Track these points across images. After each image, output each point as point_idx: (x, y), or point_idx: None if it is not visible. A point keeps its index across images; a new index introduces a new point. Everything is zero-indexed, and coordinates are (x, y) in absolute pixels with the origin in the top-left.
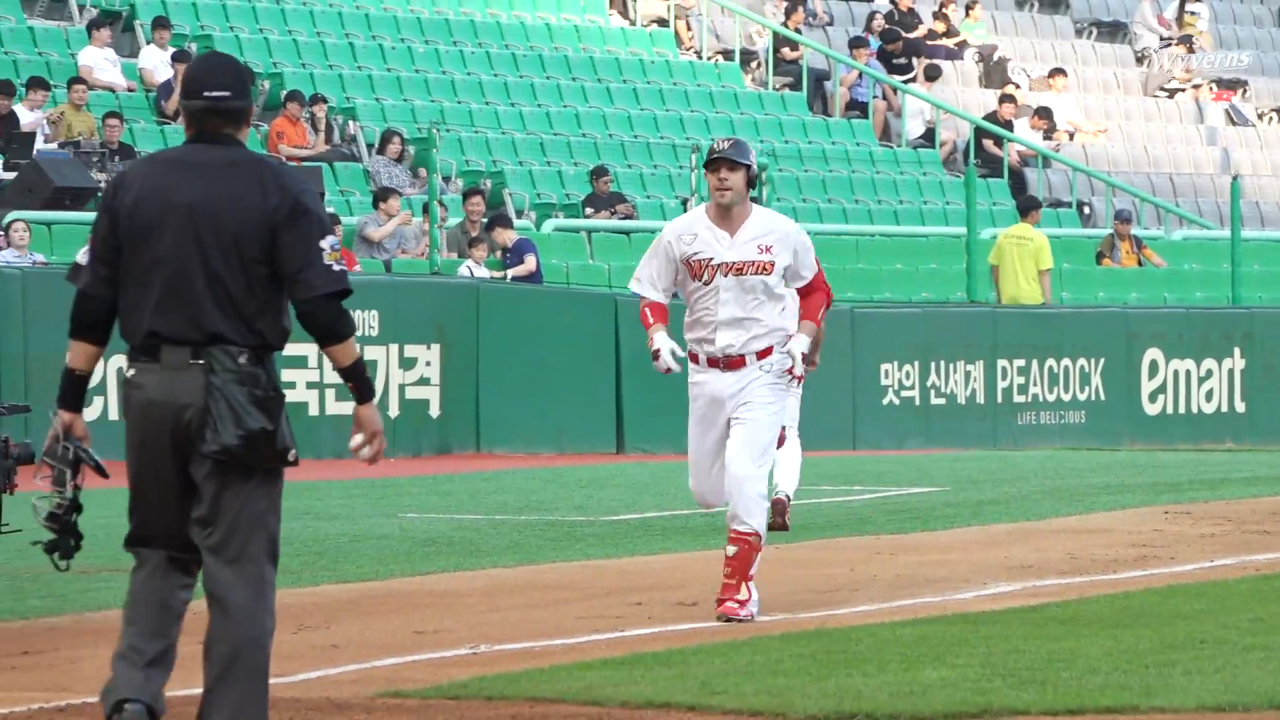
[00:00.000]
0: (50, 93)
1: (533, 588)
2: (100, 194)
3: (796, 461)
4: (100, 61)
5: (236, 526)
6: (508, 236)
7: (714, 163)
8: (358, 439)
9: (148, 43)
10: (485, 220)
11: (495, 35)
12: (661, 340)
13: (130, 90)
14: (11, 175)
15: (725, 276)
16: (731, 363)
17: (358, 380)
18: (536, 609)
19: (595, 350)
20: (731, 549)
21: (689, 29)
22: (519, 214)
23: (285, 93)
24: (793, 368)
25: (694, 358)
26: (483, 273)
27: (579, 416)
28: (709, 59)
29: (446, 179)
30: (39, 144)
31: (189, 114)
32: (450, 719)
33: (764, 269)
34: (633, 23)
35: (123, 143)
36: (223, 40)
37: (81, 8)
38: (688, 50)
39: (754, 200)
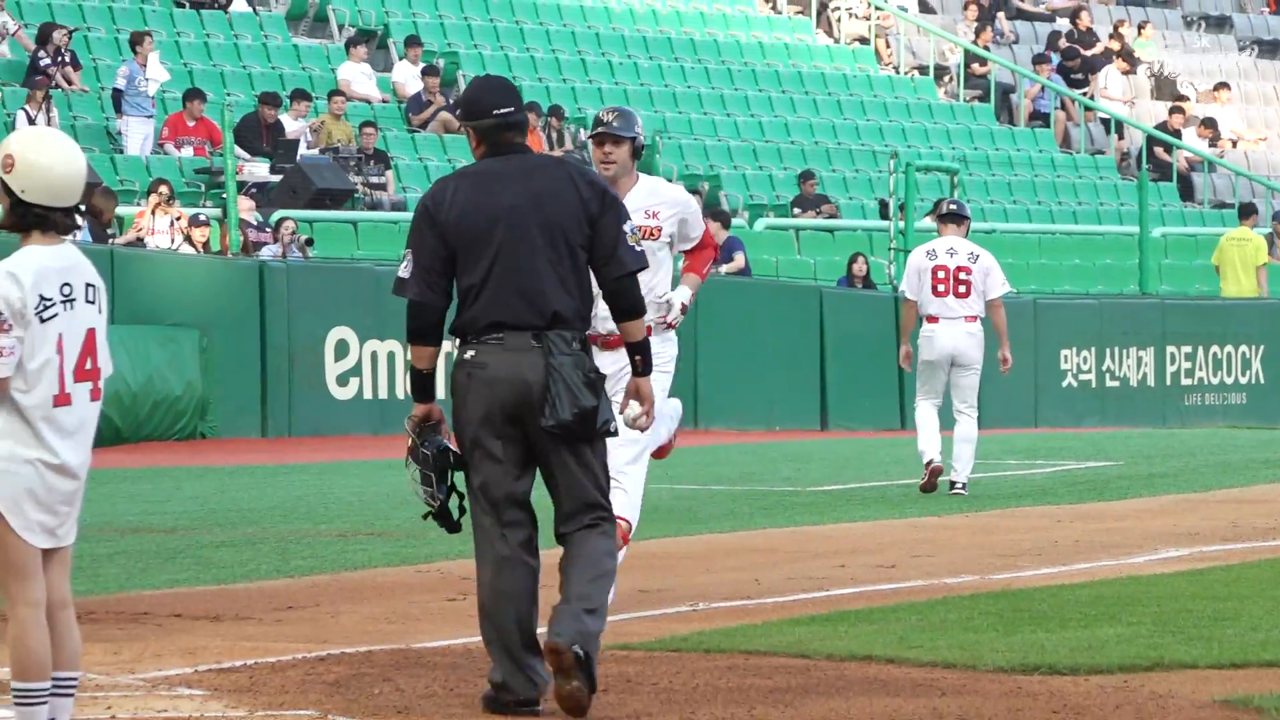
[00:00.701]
0: (312, 104)
1: (746, 551)
2: (415, 219)
3: (971, 446)
4: (357, 76)
5: (573, 491)
6: (721, 233)
7: (599, 136)
8: (634, 407)
9: (400, 59)
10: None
11: (713, 52)
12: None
13: (384, 101)
14: (278, 178)
15: None
16: (609, 342)
17: (644, 354)
18: (749, 570)
19: (801, 337)
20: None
21: (888, 46)
22: (733, 214)
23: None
24: (673, 320)
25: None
26: None
27: (787, 396)
28: (906, 74)
29: (669, 180)
30: (302, 150)
31: (481, 132)
32: (672, 670)
33: (651, 234)
34: (837, 41)
35: (377, 149)
36: (468, 57)
37: (341, 27)
38: (886, 66)
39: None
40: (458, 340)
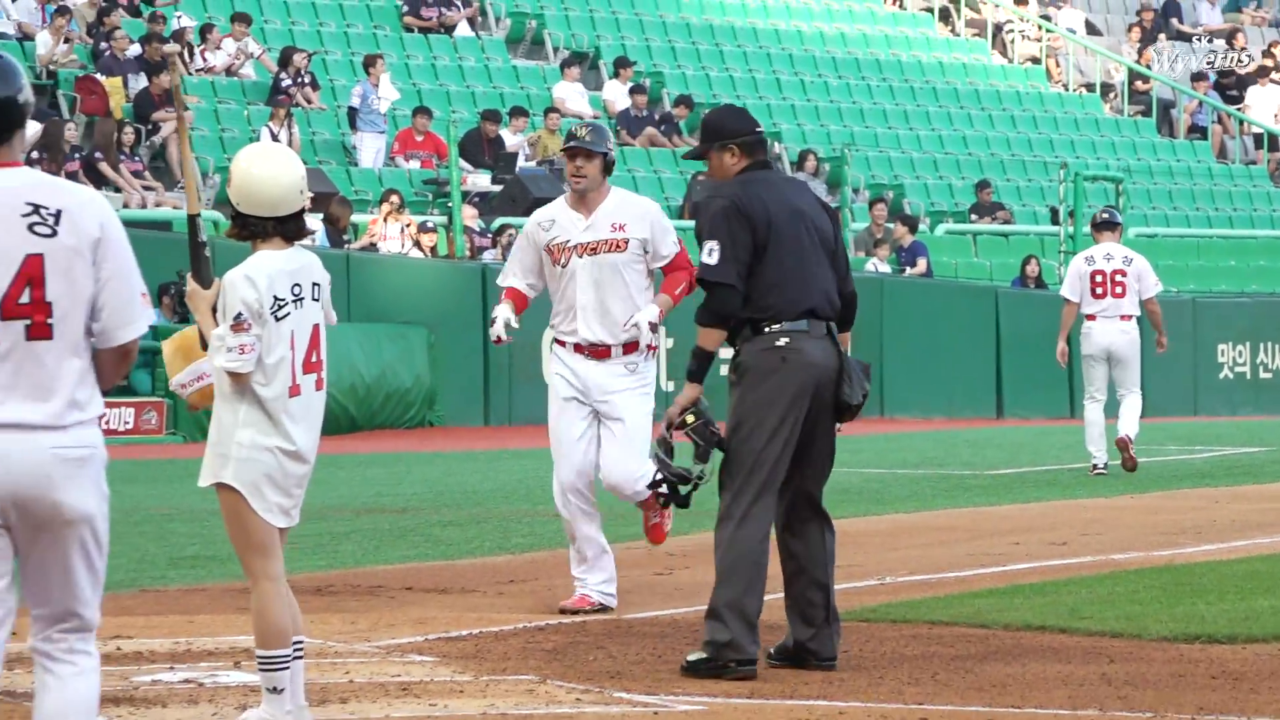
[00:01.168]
0: (529, 119)
1: (928, 529)
2: (722, 214)
3: (1136, 411)
4: (571, 94)
5: (829, 461)
6: (906, 237)
7: (571, 150)
8: None
9: (610, 78)
10: (890, 225)
11: (897, 72)
12: (500, 311)
13: (595, 117)
14: (498, 188)
15: (581, 257)
16: (596, 352)
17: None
18: (931, 547)
19: (979, 333)
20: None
21: (1057, 66)
22: (917, 220)
23: None
24: (641, 340)
25: (560, 343)
26: (885, 269)
27: (965, 387)
28: (1074, 90)
29: (856, 190)
30: (520, 162)
31: (746, 147)
32: (862, 639)
33: (617, 246)
34: (1011, 61)
35: None
36: (672, 77)
37: (556, 49)
38: (1056, 83)
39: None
40: (749, 326)
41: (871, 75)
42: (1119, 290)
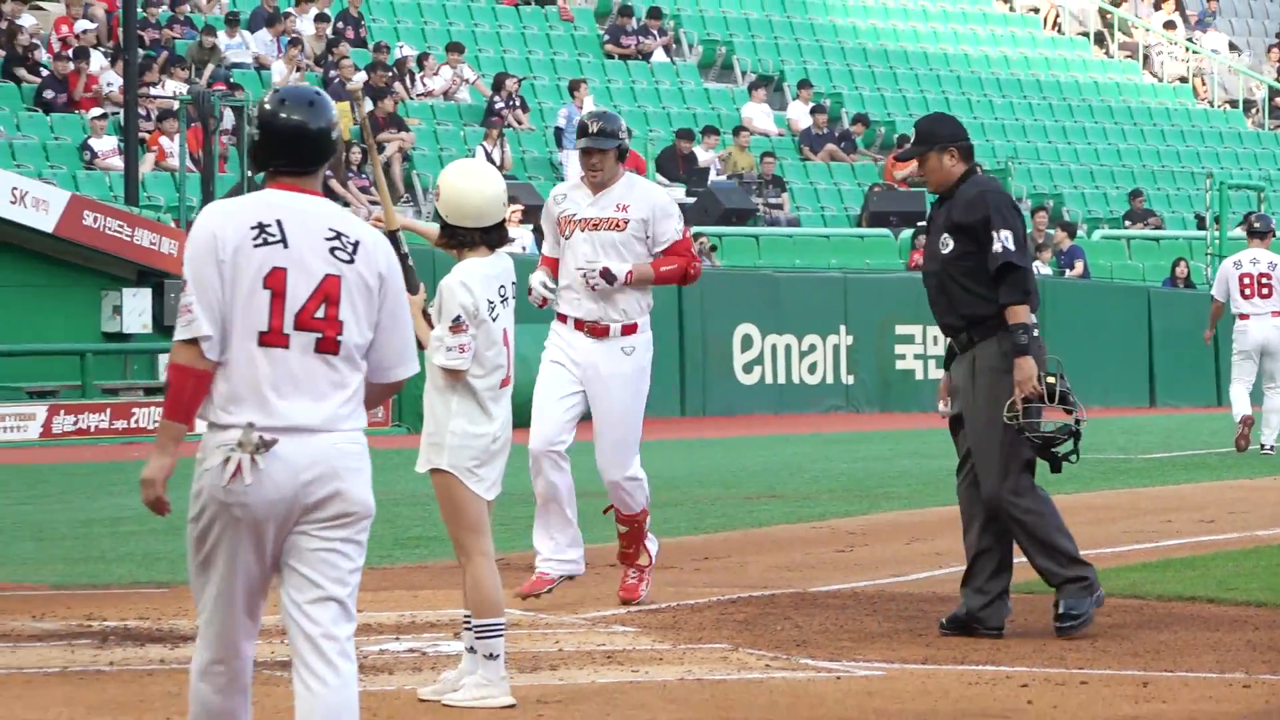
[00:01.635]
0: (720, 137)
1: (1087, 509)
2: (1010, 206)
3: (1278, 413)
4: (758, 113)
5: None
6: (1065, 242)
7: (586, 150)
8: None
9: (793, 99)
10: (1050, 231)
11: (1056, 91)
12: (533, 277)
13: (780, 135)
14: (692, 200)
15: (582, 231)
16: (596, 330)
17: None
18: (1090, 525)
19: (1132, 329)
20: (623, 528)
21: (1203, 84)
22: (1075, 226)
23: (897, 136)
24: (588, 276)
25: (562, 318)
26: (1046, 271)
27: (1120, 378)
28: (1218, 107)
29: (1019, 199)
30: (712, 176)
31: (964, 152)
32: (1027, 608)
33: (616, 225)
34: (1160, 80)
35: (775, 175)
36: (850, 97)
37: (744, 73)
38: (1202, 100)
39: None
40: (995, 319)
41: (1033, 94)
42: (1265, 291)
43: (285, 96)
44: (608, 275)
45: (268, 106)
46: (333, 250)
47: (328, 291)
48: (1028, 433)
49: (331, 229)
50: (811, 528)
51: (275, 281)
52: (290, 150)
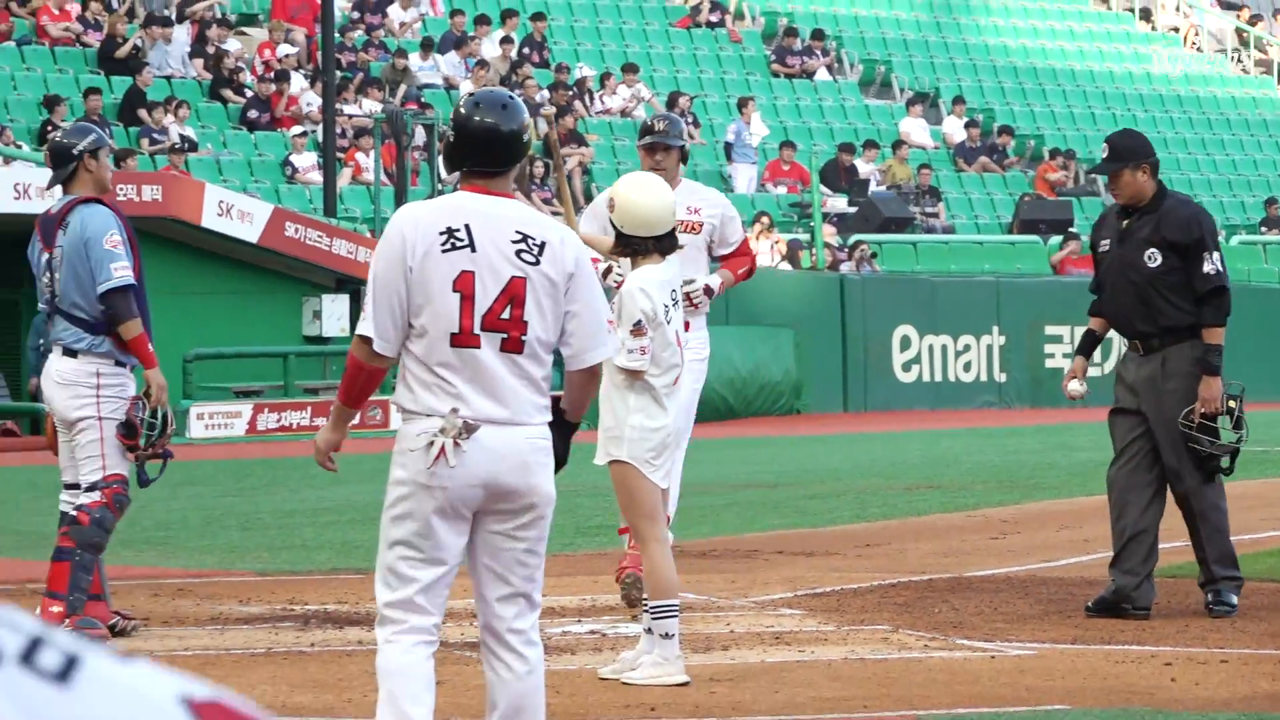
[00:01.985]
0: (879, 150)
1: (1228, 498)
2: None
3: None
4: (915, 128)
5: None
6: None
7: (650, 145)
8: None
9: (948, 114)
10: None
11: (1195, 104)
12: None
13: (935, 148)
14: (854, 209)
15: None
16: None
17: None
18: (1230, 514)
19: (1270, 328)
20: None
21: None
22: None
23: (1047, 149)
24: (693, 295)
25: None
26: None
27: (1257, 375)
28: None
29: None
30: (872, 187)
31: (1154, 168)
32: (1168, 592)
33: (693, 228)
34: None
35: (931, 186)
36: (1001, 112)
37: (902, 90)
38: None
39: None
40: (1189, 329)
41: (1173, 108)
42: None
43: (480, 100)
44: (709, 292)
45: (462, 109)
46: (519, 253)
47: (514, 293)
48: (1195, 444)
49: (518, 232)
50: (966, 516)
51: (464, 285)
52: (483, 151)
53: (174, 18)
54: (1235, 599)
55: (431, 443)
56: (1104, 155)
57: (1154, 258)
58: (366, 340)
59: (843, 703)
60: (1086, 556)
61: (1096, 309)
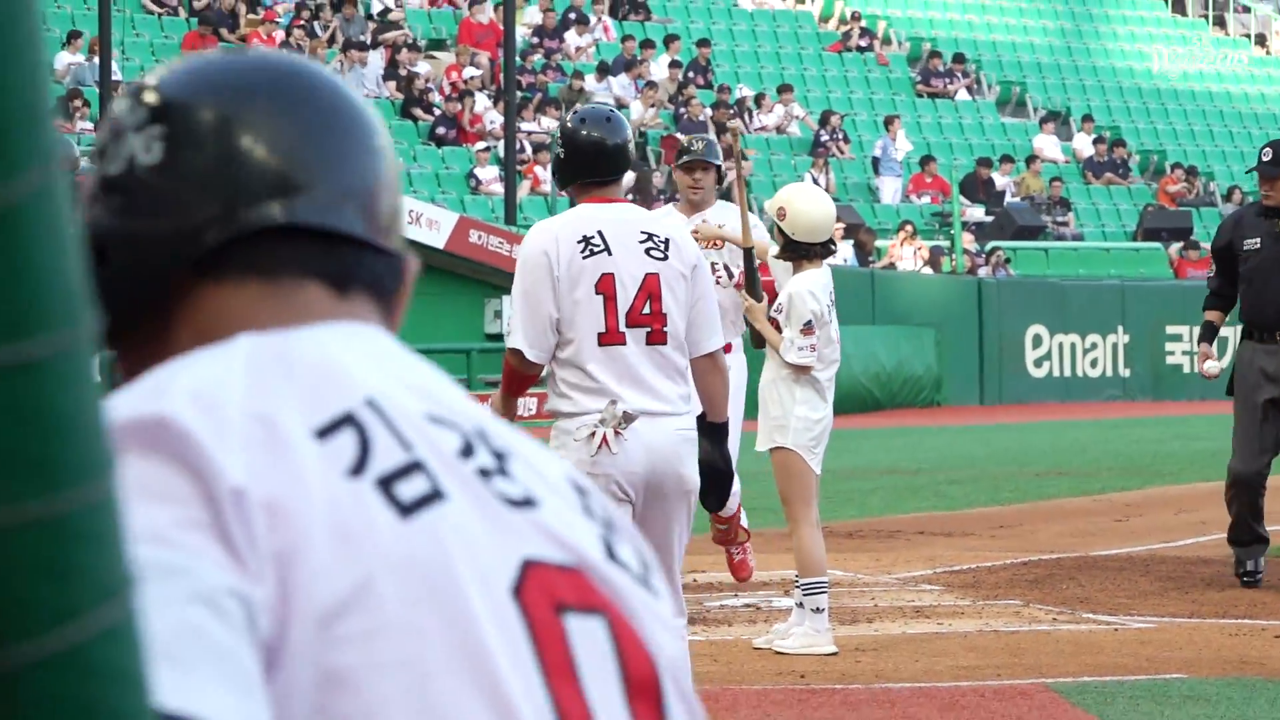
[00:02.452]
0: (1014, 165)
1: None
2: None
3: None
4: (1047, 144)
5: None
6: None
7: (689, 165)
8: None
9: (1078, 131)
10: None
11: None
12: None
13: (1066, 162)
14: (990, 219)
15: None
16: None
17: None
18: None
19: None
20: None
21: None
22: None
23: (1169, 164)
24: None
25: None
26: None
27: None
28: None
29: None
30: (1007, 198)
31: None
32: (1274, 570)
33: (721, 244)
34: None
35: (1062, 197)
36: (1127, 129)
37: (1035, 109)
38: None
39: None
40: None
41: None
42: None
43: (585, 116)
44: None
45: (569, 125)
46: (648, 250)
47: (650, 289)
48: None
49: (643, 231)
50: (1092, 500)
51: (605, 286)
52: (593, 164)
53: (369, 43)
54: None
55: (593, 433)
56: (1265, 160)
57: None
58: (518, 353)
59: (977, 671)
60: (1203, 537)
61: (1214, 303)
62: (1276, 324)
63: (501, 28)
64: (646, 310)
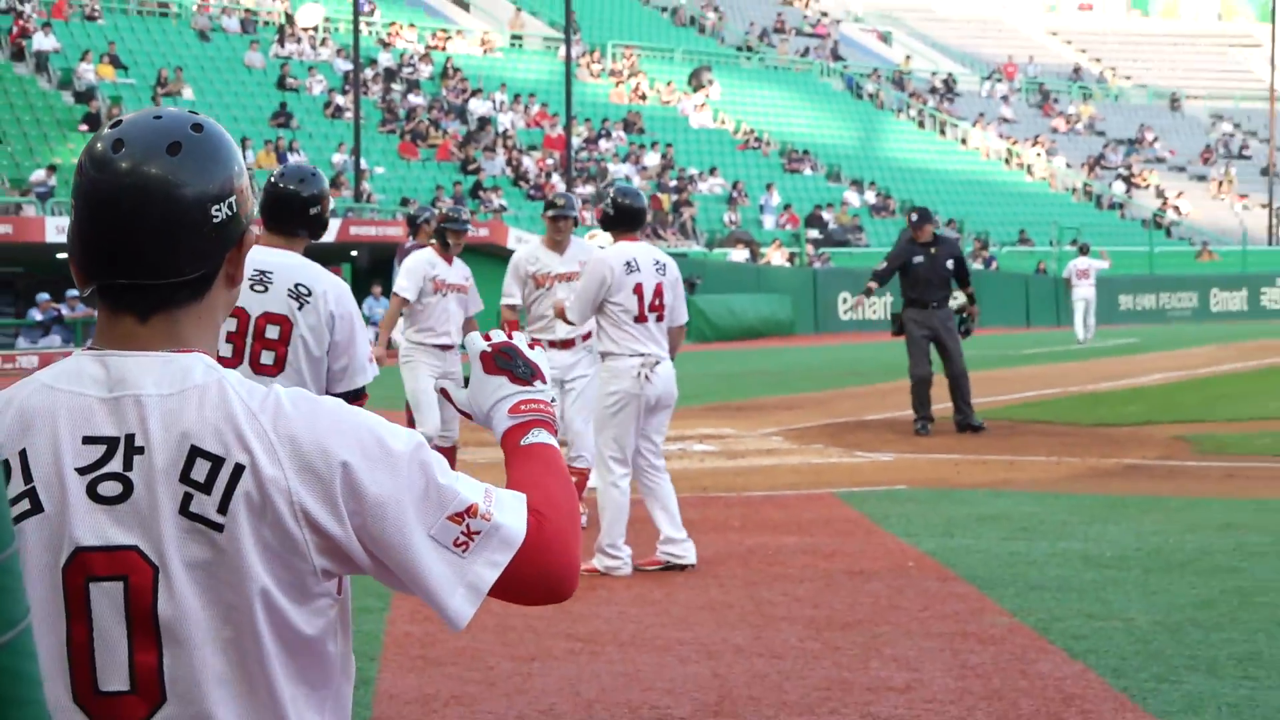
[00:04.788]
0: (834, 207)
1: None
2: None
3: None
4: (851, 196)
5: None
6: None
7: (555, 217)
8: None
9: (867, 189)
10: None
11: None
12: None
13: (859, 206)
14: (821, 236)
15: (561, 283)
16: (565, 344)
17: None
18: None
19: None
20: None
21: None
22: None
23: (917, 207)
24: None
25: (537, 343)
26: None
27: None
28: None
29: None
30: (830, 225)
31: None
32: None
33: (572, 277)
34: None
35: (858, 225)
36: (895, 189)
37: (845, 178)
38: None
39: None
40: None
41: None
42: None
43: (625, 192)
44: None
45: (616, 197)
46: (656, 270)
47: (659, 292)
48: None
49: (655, 259)
50: (874, 387)
51: (638, 290)
52: (629, 221)
53: (491, 147)
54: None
55: (638, 372)
56: (914, 220)
57: None
58: (570, 323)
59: (796, 485)
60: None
61: (877, 278)
62: (927, 302)
63: (565, 138)
64: (657, 303)
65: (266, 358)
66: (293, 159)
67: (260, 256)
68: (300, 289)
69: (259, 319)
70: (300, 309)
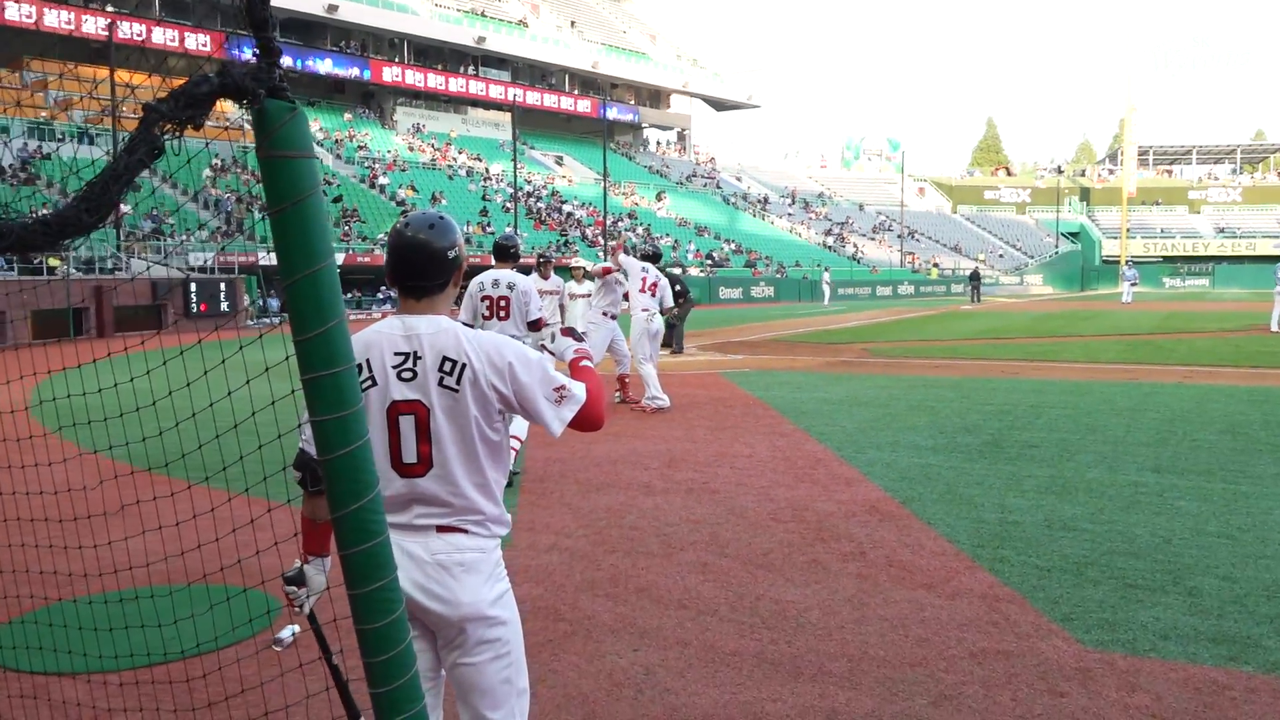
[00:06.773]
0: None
1: None
2: None
3: None
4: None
5: None
6: None
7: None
8: None
9: (731, 253)
10: None
11: None
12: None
13: (733, 256)
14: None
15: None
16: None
17: None
18: None
19: None
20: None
21: None
22: None
23: (762, 257)
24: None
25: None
26: None
27: None
28: None
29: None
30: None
31: None
32: None
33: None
34: None
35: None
36: (750, 247)
37: (721, 249)
38: None
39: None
40: None
41: None
42: None
43: (652, 249)
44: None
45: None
46: (657, 272)
47: (657, 283)
48: None
49: (662, 271)
50: (750, 325)
51: (652, 289)
52: (651, 256)
53: (545, 210)
54: None
55: (650, 322)
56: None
57: None
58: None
59: (711, 370)
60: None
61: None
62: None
63: (602, 223)
64: (655, 288)
65: (503, 314)
66: (505, 229)
67: (494, 273)
68: (511, 284)
69: (499, 298)
70: (512, 292)
